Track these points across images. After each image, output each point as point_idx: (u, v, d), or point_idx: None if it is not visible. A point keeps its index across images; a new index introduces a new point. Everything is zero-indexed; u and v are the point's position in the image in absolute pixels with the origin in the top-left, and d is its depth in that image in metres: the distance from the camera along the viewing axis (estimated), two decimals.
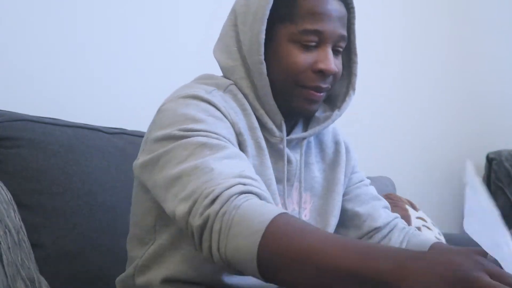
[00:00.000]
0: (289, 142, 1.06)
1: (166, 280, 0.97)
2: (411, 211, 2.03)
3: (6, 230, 0.98)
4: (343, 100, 1.09)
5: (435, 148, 2.71)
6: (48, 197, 1.23)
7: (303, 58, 0.99)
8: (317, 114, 1.10)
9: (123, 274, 1.07)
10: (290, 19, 0.99)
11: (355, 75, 1.09)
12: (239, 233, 0.76)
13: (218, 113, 0.95)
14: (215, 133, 0.90)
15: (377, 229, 1.15)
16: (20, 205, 1.16)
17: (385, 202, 1.20)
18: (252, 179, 0.84)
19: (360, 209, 1.16)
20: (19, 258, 0.99)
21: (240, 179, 0.82)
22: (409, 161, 2.57)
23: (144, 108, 1.66)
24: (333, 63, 0.99)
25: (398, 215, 1.20)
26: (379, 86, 2.42)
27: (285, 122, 1.05)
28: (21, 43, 1.46)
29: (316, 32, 0.98)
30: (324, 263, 0.69)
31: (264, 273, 0.74)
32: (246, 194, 0.80)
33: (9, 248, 0.95)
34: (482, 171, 2.77)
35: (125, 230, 1.18)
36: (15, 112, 1.27)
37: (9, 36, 1.44)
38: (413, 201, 2.17)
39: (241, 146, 0.97)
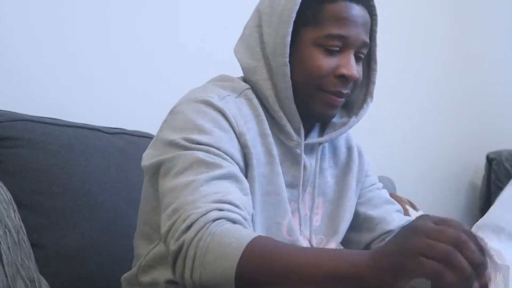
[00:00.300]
0: (305, 147, 1.06)
1: (170, 282, 0.98)
2: (411, 211, 2.03)
3: (6, 230, 0.98)
4: (360, 107, 1.09)
5: (435, 148, 2.71)
6: (48, 197, 1.23)
7: (326, 62, 0.99)
8: (333, 119, 1.10)
9: (128, 272, 1.07)
10: (315, 23, 0.99)
11: (374, 82, 1.10)
12: (215, 259, 0.78)
13: (226, 123, 0.96)
14: (217, 148, 0.92)
15: (390, 232, 1.15)
16: (20, 205, 1.16)
17: (398, 206, 1.20)
18: (232, 204, 0.86)
19: (373, 212, 1.16)
20: (19, 258, 0.99)
21: (218, 205, 0.84)
22: (409, 161, 2.57)
23: (144, 108, 1.66)
24: (355, 69, 1.00)
25: (411, 219, 1.19)
26: (379, 86, 2.42)
27: (303, 126, 1.05)
28: (21, 43, 1.46)
29: (340, 37, 0.99)
30: (303, 273, 0.73)
31: None
32: (221, 220, 0.82)
33: (9, 248, 0.95)
34: (482, 171, 2.77)
35: (125, 230, 1.18)
36: (15, 112, 1.27)
37: (9, 36, 1.44)
38: (413, 201, 2.17)
39: (246, 158, 0.98)
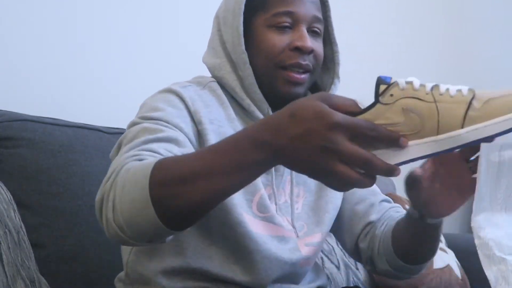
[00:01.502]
0: None
1: (158, 273, 1.00)
2: None
3: (6, 230, 0.98)
4: (329, 89, 1.13)
5: None
6: (48, 197, 1.23)
7: (279, 40, 1.04)
8: None
9: (120, 273, 1.09)
10: (263, 7, 1.05)
11: (338, 64, 1.13)
12: (129, 190, 0.77)
13: (180, 104, 1.01)
14: (166, 121, 0.96)
15: (371, 223, 1.17)
16: (20, 205, 1.16)
17: (383, 196, 1.21)
18: (152, 151, 0.87)
19: (358, 207, 1.18)
20: (19, 258, 0.99)
21: (139, 154, 0.85)
22: None
23: None
24: (309, 41, 1.04)
25: (395, 205, 1.20)
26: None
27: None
28: (21, 43, 1.46)
29: (288, 13, 1.04)
30: (211, 167, 0.74)
31: (162, 213, 0.75)
32: (133, 161, 0.83)
33: (9, 248, 0.95)
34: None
35: None
36: (15, 112, 1.27)
37: (9, 36, 1.44)
38: None
39: (201, 134, 1.00)
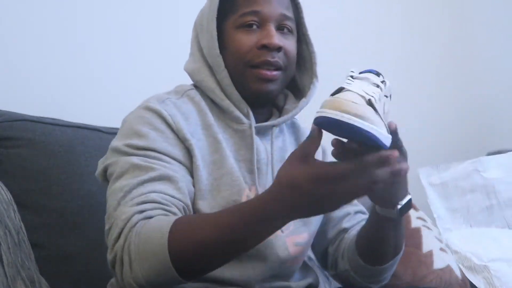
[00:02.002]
0: (261, 132, 1.11)
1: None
2: (411, 211, 2.03)
3: (6, 231, 0.98)
4: (309, 89, 1.15)
5: (435, 148, 2.71)
6: (48, 197, 1.23)
7: (246, 39, 1.06)
8: (286, 106, 1.16)
9: (111, 280, 1.11)
10: (232, 10, 1.08)
11: (315, 63, 1.15)
12: (148, 254, 0.86)
13: (161, 125, 1.03)
14: (153, 149, 0.99)
15: (344, 230, 1.19)
16: (20, 205, 1.16)
17: (360, 207, 1.23)
18: (154, 202, 0.93)
19: (334, 214, 1.20)
20: (19, 259, 0.99)
21: (140, 207, 0.91)
22: (409, 161, 2.57)
23: None
24: (276, 38, 1.05)
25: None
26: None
27: (256, 114, 1.10)
28: (21, 43, 1.46)
29: (254, 13, 1.06)
30: (224, 233, 0.84)
31: (183, 274, 0.85)
32: (142, 221, 0.90)
33: (9, 248, 0.95)
34: None
35: None
36: (15, 112, 1.27)
37: (9, 36, 1.44)
38: (413, 200, 2.17)
39: (189, 149, 1.03)
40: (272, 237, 1.04)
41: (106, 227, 0.95)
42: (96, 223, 1.27)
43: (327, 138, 1.20)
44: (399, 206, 1.00)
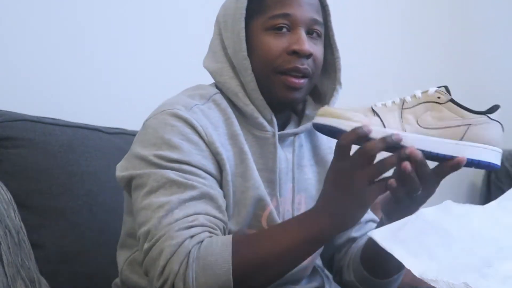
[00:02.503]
0: (281, 139, 1.08)
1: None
2: None
3: (6, 230, 0.98)
4: (332, 95, 1.11)
5: None
6: (48, 197, 1.23)
7: (276, 43, 1.01)
8: (307, 112, 1.12)
9: (115, 281, 1.11)
10: (260, 11, 1.03)
11: (339, 69, 1.11)
12: (209, 280, 0.87)
13: (194, 136, 0.98)
14: (187, 163, 0.95)
15: (353, 239, 1.18)
16: (20, 205, 1.15)
17: (371, 216, 1.21)
18: (203, 226, 0.91)
19: None
20: (19, 259, 0.99)
21: (190, 231, 0.90)
22: None
23: (144, 108, 1.65)
24: (307, 44, 1.01)
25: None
26: (378, 86, 2.42)
27: (277, 119, 1.06)
28: (21, 43, 1.45)
29: (285, 16, 1.01)
30: (283, 250, 0.90)
31: None
32: (196, 246, 0.89)
33: (9, 248, 0.95)
34: (482, 171, 2.77)
35: None
36: (15, 112, 1.27)
37: (9, 36, 1.44)
38: None
39: (220, 164, 1.00)
40: None
41: (144, 244, 0.92)
42: (96, 223, 1.27)
43: (354, 148, 1.21)
44: None
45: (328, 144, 1.17)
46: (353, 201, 0.88)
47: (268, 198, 1.04)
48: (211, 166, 0.98)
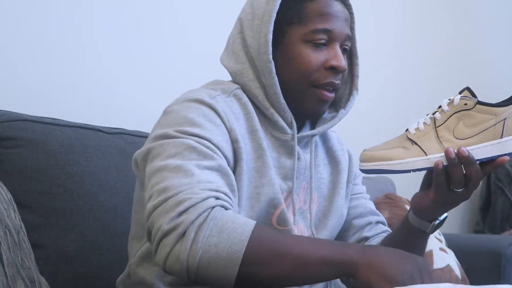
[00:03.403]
0: (299, 140, 1.09)
1: (160, 276, 1.00)
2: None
3: (6, 230, 0.98)
4: (347, 100, 1.13)
5: None
6: (48, 197, 1.23)
7: (315, 57, 1.03)
8: (324, 115, 1.14)
9: (122, 274, 1.09)
10: (299, 21, 1.04)
11: (357, 76, 1.13)
12: (220, 243, 0.83)
13: (217, 119, 0.98)
14: (208, 140, 0.94)
15: (365, 239, 1.19)
16: (20, 205, 1.15)
17: (381, 218, 1.23)
18: (227, 195, 0.90)
19: (355, 221, 1.20)
20: (19, 258, 0.99)
21: (216, 193, 0.87)
22: None
23: (144, 108, 1.66)
24: (343, 60, 1.04)
25: (388, 229, 1.22)
26: (378, 86, 2.42)
27: (296, 121, 1.08)
28: (21, 43, 1.46)
29: (326, 31, 1.03)
30: (302, 254, 0.85)
31: (242, 277, 0.83)
32: (221, 208, 0.86)
33: (9, 248, 0.95)
34: None
35: (125, 230, 1.18)
36: (15, 112, 1.26)
37: (9, 36, 1.44)
38: None
39: (236, 153, 1.00)
40: None
41: (157, 198, 0.87)
42: (96, 223, 1.27)
43: (352, 142, 1.22)
44: (436, 222, 1.02)
45: (340, 147, 1.20)
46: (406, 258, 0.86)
47: (281, 197, 1.04)
48: (229, 152, 0.98)
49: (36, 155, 1.23)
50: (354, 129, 2.00)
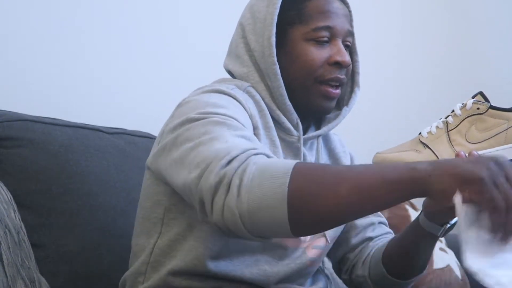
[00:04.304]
0: (304, 142, 1.10)
1: (176, 273, 0.99)
2: (411, 211, 2.03)
3: (6, 230, 0.98)
4: (349, 97, 1.15)
5: None
6: (48, 197, 1.23)
7: (319, 54, 1.05)
8: (326, 115, 1.14)
9: (131, 271, 1.06)
10: (300, 20, 1.05)
11: (358, 73, 1.15)
12: (262, 183, 0.77)
13: (239, 105, 0.99)
14: (234, 118, 0.93)
15: (369, 239, 1.19)
16: (20, 205, 1.16)
17: (383, 219, 1.24)
18: (266, 154, 0.85)
19: (358, 222, 1.20)
20: (19, 258, 0.99)
21: (255, 150, 0.84)
22: None
23: (144, 108, 1.66)
24: (347, 55, 1.06)
25: (390, 231, 1.22)
26: (378, 84, 2.42)
27: (301, 123, 1.09)
28: (21, 43, 1.46)
29: (327, 28, 1.05)
30: (359, 179, 0.76)
31: (293, 212, 0.76)
32: (262, 155, 0.83)
33: (9, 248, 0.95)
34: None
35: (125, 230, 1.18)
36: (15, 112, 1.27)
37: (9, 36, 1.44)
38: (413, 201, 2.17)
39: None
40: (291, 246, 1.05)
41: (200, 166, 0.83)
42: (96, 223, 1.27)
43: (352, 144, 1.23)
44: (447, 225, 1.01)
45: (342, 149, 1.21)
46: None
47: None
48: (252, 132, 0.97)
49: (36, 155, 1.23)
50: (353, 128, 2.00)
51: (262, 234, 0.81)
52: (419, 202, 2.23)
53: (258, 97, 1.06)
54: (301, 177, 0.77)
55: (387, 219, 1.32)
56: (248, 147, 0.84)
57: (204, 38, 1.81)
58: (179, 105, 1.01)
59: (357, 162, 1.22)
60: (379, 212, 1.24)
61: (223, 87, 1.01)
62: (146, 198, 1.07)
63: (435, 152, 0.94)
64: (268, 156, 0.84)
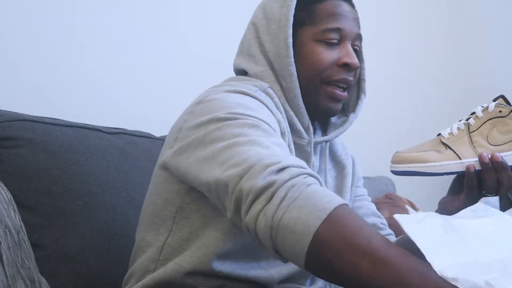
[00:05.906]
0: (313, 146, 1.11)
1: (180, 270, 0.98)
2: (411, 211, 2.03)
3: (6, 230, 0.98)
4: (356, 104, 1.16)
5: None
6: (48, 197, 1.23)
7: (328, 55, 1.06)
8: (333, 120, 1.16)
9: (138, 267, 1.04)
10: (311, 22, 1.07)
11: (364, 80, 1.16)
12: (304, 206, 0.76)
13: (266, 108, 0.99)
14: (266, 123, 0.92)
15: None
16: (20, 205, 1.16)
17: (383, 220, 1.24)
18: (317, 178, 0.84)
19: None
20: (19, 258, 0.99)
21: (307, 170, 0.82)
22: None
23: (144, 108, 1.66)
24: (356, 57, 1.07)
25: (393, 232, 1.22)
26: (378, 86, 2.42)
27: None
28: (21, 43, 1.46)
29: (337, 30, 1.06)
30: (381, 266, 0.70)
31: (311, 253, 0.74)
32: (313, 178, 0.82)
33: (9, 248, 0.95)
34: None
35: (125, 230, 1.18)
36: (15, 112, 1.27)
37: (9, 36, 1.44)
38: (413, 201, 2.17)
39: None
40: None
41: (238, 168, 0.82)
42: (96, 223, 1.27)
43: (354, 148, 1.24)
44: None
45: (344, 152, 1.21)
46: None
47: None
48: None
49: (36, 155, 1.23)
50: (354, 129, 2.00)
51: (282, 254, 0.81)
52: (419, 202, 2.23)
53: (276, 99, 1.06)
54: (336, 223, 0.75)
55: (387, 219, 1.32)
56: (300, 163, 0.83)
57: (204, 39, 1.81)
58: (200, 102, 0.99)
59: (358, 165, 1.22)
60: (379, 213, 1.25)
61: (246, 89, 0.99)
62: (157, 194, 1.05)
63: (457, 153, 0.96)
64: (320, 183, 0.83)
